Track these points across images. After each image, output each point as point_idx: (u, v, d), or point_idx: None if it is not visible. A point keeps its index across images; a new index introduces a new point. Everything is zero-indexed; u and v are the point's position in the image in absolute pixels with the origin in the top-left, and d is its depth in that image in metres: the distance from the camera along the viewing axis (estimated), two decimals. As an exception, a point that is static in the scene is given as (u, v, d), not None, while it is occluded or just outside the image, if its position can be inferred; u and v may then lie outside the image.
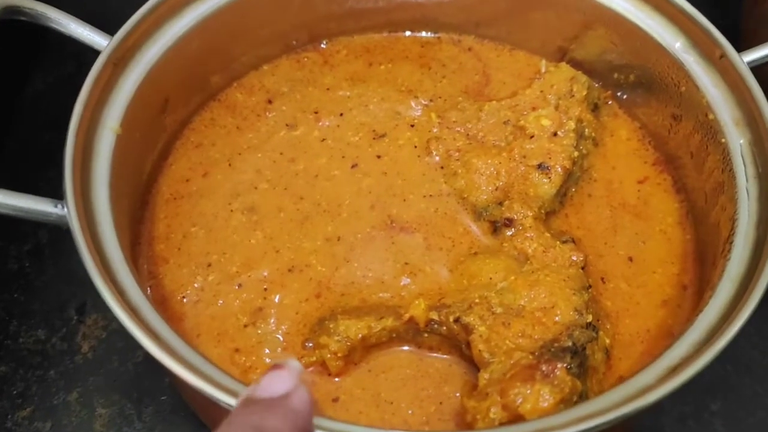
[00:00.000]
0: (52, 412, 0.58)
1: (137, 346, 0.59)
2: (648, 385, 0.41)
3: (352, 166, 0.62)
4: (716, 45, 0.55)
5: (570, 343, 0.48)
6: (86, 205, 0.48)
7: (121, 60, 0.54)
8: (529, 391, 0.44)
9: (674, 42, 0.58)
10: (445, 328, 0.52)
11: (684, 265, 0.58)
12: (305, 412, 0.31)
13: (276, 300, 0.55)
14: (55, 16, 0.54)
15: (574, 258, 0.56)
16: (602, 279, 0.57)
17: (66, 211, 0.46)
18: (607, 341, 0.54)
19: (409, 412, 0.51)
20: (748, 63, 0.54)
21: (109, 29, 0.56)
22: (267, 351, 0.54)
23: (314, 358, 0.53)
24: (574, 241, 0.58)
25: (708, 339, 0.43)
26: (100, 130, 0.52)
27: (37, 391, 0.59)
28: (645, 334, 0.55)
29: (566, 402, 0.45)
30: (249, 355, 0.53)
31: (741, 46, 0.56)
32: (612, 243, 0.59)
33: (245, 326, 0.55)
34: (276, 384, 0.31)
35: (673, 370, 0.41)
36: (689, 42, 0.57)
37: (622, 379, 0.52)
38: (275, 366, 0.32)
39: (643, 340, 0.54)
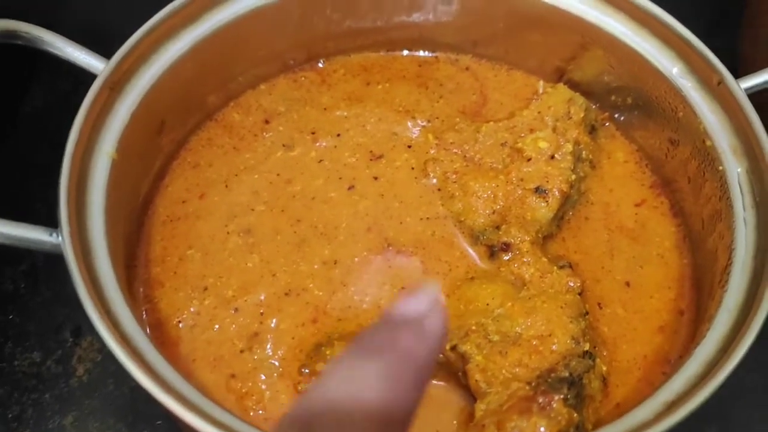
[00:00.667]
0: (47, 436, 0.58)
1: (132, 371, 0.60)
2: (646, 421, 0.41)
3: (349, 188, 0.62)
4: (714, 71, 0.55)
5: (567, 374, 0.48)
6: (81, 232, 0.48)
7: (117, 84, 0.54)
8: (525, 424, 0.44)
9: (672, 67, 0.58)
10: (441, 355, 0.52)
11: (681, 290, 0.58)
12: (438, 333, 0.31)
13: (272, 324, 0.55)
14: (52, 39, 0.54)
15: (571, 284, 0.56)
16: (599, 304, 0.57)
17: (60, 239, 0.46)
18: (604, 369, 0.54)
19: None
20: (746, 89, 0.54)
21: (107, 49, 0.56)
22: (263, 377, 0.53)
23: (310, 385, 0.53)
24: (571, 267, 0.58)
25: (706, 372, 0.43)
26: (96, 155, 0.52)
27: (32, 415, 0.59)
28: (642, 360, 0.55)
29: (562, 434, 0.45)
30: (245, 381, 0.53)
31: (739, 72, 0.56)
32: (609, 267, 0.59)
33: (241, 351, 0.54)
34: (412, 305, 0.31)
35: (671, 406, 0.41)
36: (687, 67, 0.57)
37: (618, 407, 0.52)
38: (414, 290, 0.33)
39: (639, 367, 0.54)
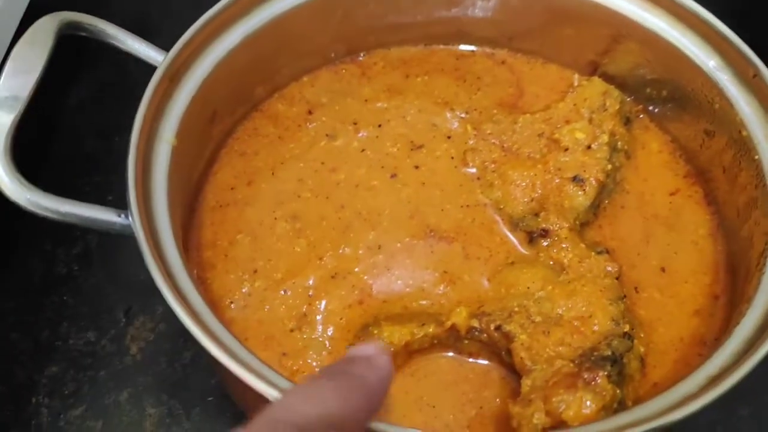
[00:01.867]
0: (104, 411, 0.61)
1: (184, 348, 0.62)
2: (689, 394, 0.43)
3: (391, 176, 0.64)
4: (750, 64, 0.57)
5: (609, 352, 0.50)
6: (148, 214, 0.50)
7: (175, 75, 0.57)
8: (572, 398, 0.46)
9: (708, 60, 0.60)
10: (485, 335, 0.54)
11: (715, 276, 0.59)
12: (387, 369, 0.39)
13: (321, 306, 0.57)
14: (114, 32, 0.57)
15: (609, 269, 0.58)
16: (636, 288, 0.59)
17: (130, 220, 0.48)
18: (642, 350, 0.55)
19: (451, 416, 0.53)
20: (781, 81, 0.56)
21: (153, 40, 0.58)
22: (313, 355, 0.56)
23: (358, 363, 0.55)
24: (608, 252, 0.60)
25: (746, 349, 0.45)
26: (157, 142, 0.54)
27: (89, 391, 0.62)
28: (678, 343, 0.57)
29: (607, 409, 0.47)
30: (296, 359, 0.55)
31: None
32: (645, 253, 0.61)
33: (291, 331, 0.57)
34: (362, 349, 0.40)
35: (714, 379, 0.43)
36: (723, 61, 0.59)
37: (656, 386, 0.54)
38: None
39: (676, 348, 0.56)
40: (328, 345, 0.56)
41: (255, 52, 0.63)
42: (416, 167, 0.65)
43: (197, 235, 0.61)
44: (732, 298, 0.57)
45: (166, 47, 0.57)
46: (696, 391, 0.43)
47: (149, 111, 0.53)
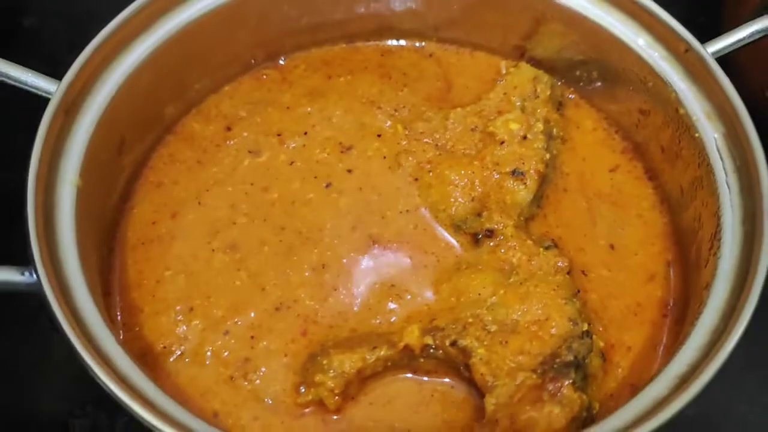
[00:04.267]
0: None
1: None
2: (660, 397, 0.41)
3: (326, 186, 0.61)
4: (680, 39, 0.55)
5: (571, 357, 0.48)
6: (56, 268, 0.45)
7: (72, 106, 0.51)
8: (539, 415, 0.44)
9: (636, 38, 0.58)
10: (441, 351, 0.52)
11: (664, 245, 0.58)
12: None
13: (263, 345, 0.53)
14: (-5, 64, 0.50)
15: (560, 264, 0.56)
16: (583, 272, 0.57)
17: (35, 278, 0.43)
18: (602, 344, 0.53)
19: None
20: (713, 54, 0.55)
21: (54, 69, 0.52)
22: (255, 407, 0.52)
23: (310, 397, 0.51)
24: (556, 246, 0.57)
25: (714, 340, 0.43)
26: (60, 184, 0.49)
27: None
28: (636, 307, 0.56)
29: (576, 420, 0.45)
30: (236, 414, 0.51)
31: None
32: (592, 234, 0.59)
33: (232, 378, 0.52)
34: None
35: (685, 381, 0.41)
36: (652, 37, 0.57)
37: (630, 350, 0.53)
38: None
39: (635, 313, 0.55)
40: (269, 401, 0.52)
41: (161, 69, 0.58)
42: (349, 171, 0.62)
43: (119, 277, 0.56)
44: (684, 266, 0.56)
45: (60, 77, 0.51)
46: (668, 393, 0.41)
47: (45, 151, 0.48)
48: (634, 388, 0.51)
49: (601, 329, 0.55)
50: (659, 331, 0.54)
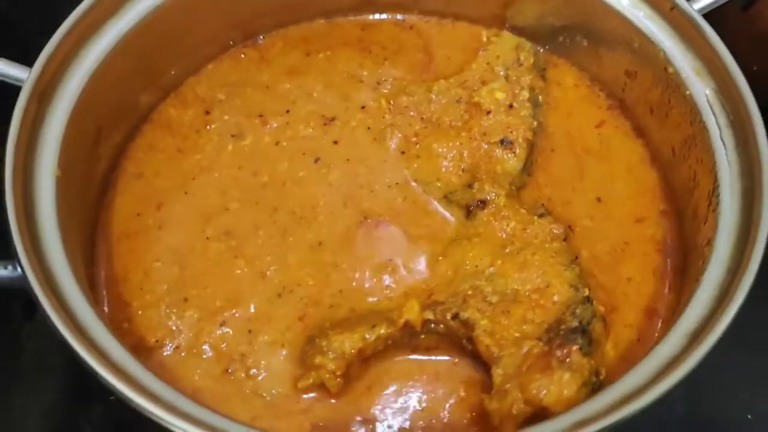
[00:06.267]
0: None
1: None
2: (673, 356, 0.40)
3: (315, 161, 0.59)
4: (665, -4, 0.55)
5: (576, 323, 0.47)
6: (40, 261, 0.43)
7: (44, 93, 0.49)
8: (549, 381, 0.43)
9: (620, -1, 0.57)
10: (442, 326, 0.50)
11: (654, 196, 0.58)
12: None
13: (263, 332, 0.52)
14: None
15: (556, 231, 0.55)
16: (570, 227, 0.56)
17: (19, 271, 0.41)
18: (602, 309, 0.52)
19: (448, 414, 0.49)
20: (699, 10, 0.54)
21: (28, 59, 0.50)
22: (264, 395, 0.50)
23: (311, 381, 0.50)
24: (549, 213, 0.57)
25: (721, 296, 0.43)
26: (39, 174, 0.46)
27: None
28: (623, 246, 0.56)
29: (586, 385, 0.44)
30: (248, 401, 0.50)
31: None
32: (580, 188, 0.59)
33: (229, 372, 0.51)
34: None
35: (696, 337, 0.41)
36: (636, -3, 0.57)
37: (630, 281, 0.53)
38: None
39: (623, 249, 0.55)
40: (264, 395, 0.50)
41: (134, 53, 0.56)
42: (335, 143, 0.60)
43: (104, 271, 0.54)
44: (679, 217, 0.55)
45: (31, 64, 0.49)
46: (679, 352, 0.40)
47: (21, 140, 0.46)
48: (650, 311, 0.51)
49: (598, 291, 0.54)
50: (655, 261, 0.54)
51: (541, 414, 0.43)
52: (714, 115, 0.51)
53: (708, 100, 0.52)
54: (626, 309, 0.53)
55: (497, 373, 0.46)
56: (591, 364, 0.45)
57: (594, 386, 0.45)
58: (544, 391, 0.43)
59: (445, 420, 0.49)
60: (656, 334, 0.52)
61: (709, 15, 0.54)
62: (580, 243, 0.56)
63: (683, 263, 0.53)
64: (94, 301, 0.51)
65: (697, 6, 0.54)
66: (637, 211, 0.57)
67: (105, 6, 0.53)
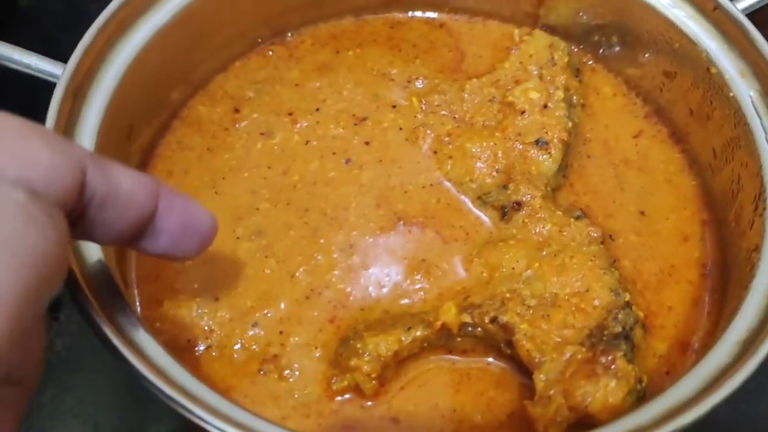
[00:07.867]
0: None
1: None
2: (725, 365, 0.39)
3: (346, 162, 0.58)
4: (708, -4, 0.54)
5: (620, 328, 0.46)
6: (77, 257, 0.42)
7: (80, 88, 0.48)
8: (595, 388, 0.42)
9: (660, -2, 0.56)
10: (480, 329, 0.50)
11: (697, 207, 0.57)
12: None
13: (293, 341, 0.51)
14: (-2, 48, 0.47)
15: (594, 234, 0.54)
16: (610, 236, 0.56)
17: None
18: (641, 314, 0.52)
19: (479, 416, 0.49)
20: (743, 10, 0.53)
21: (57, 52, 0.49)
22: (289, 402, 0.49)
23: (345, 383, 0.49)
24: (585, 215, 0.56)
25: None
26: (73, 172, 0.46)
27: None
28: (670, 269, 0.55)
29: (632, 392, 0.43)
30: (279, 401, 0.49)
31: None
32: (621, 200, 0.58)
33: (261, 372, 0.50)
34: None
35: (747, 346, 0.40)
36: (677, -4, 0.55)
37: (671, 310, 0.52)
38: None
39: (670, 273, 0.54)
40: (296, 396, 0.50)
41: (168, 48, 0.55)
42: (367, 143, 0.59)
43: (134, 269, 0.53)
44: (719, 226, 0.55)
45: (64, 59, 0.48)
46: (731, 360, 0.39)
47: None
48: (684, 345, 0.50)
49: (638, 298, 0.53)
50: (698, 290, 0.53)
51: (585, 421, 0.43)
52: (759, 117, 0.50)
53: (753, 102, 0.51)
54: (660, 338, 0.52)
55: (540, 378, 0.45)
56: (636, 371, 0.44)
57: (638, 394, 0.44)
58: (590, 399, 0.42)
59: (478, 422, 0.48)
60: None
61: (754, 15, 0.53)
62: (622, 253, 0.55)
63: (723, 280, 0.52)
64: (131, 299, 0.51)
65: (741, 5, 0.53)
66: (682, 226, 0.57)
67: (138, 2, 0.52)
